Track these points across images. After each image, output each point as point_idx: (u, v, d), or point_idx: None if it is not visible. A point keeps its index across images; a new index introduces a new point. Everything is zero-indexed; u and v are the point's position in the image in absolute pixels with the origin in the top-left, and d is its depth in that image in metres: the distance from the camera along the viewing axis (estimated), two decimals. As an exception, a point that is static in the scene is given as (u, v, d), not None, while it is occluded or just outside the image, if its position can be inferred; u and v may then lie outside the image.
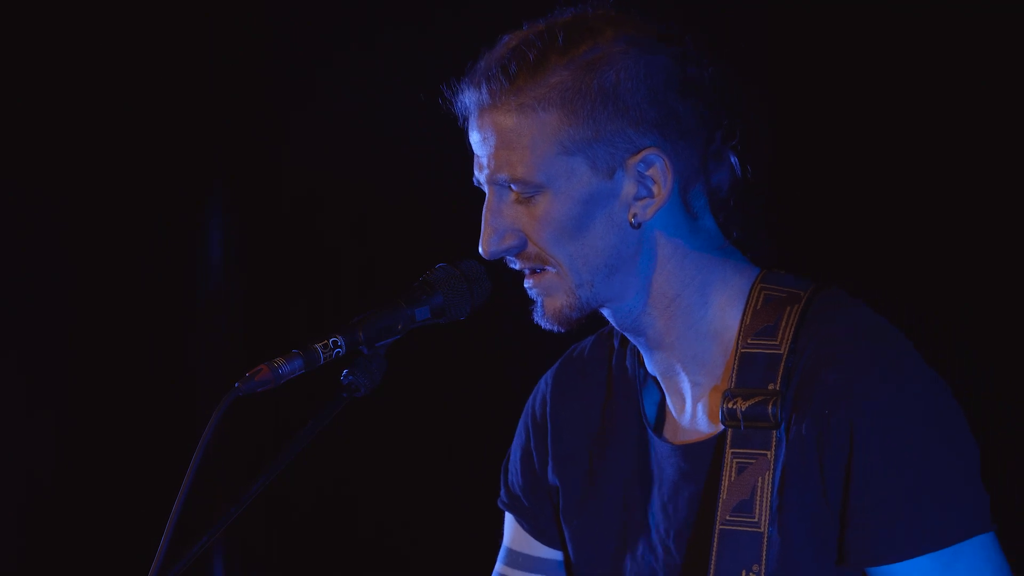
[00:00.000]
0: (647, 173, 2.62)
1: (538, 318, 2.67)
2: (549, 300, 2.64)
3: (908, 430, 2.55)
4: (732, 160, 2.67)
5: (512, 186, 2.60)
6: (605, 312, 2.69)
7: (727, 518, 2.61)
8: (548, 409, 2.89)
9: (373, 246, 4.63)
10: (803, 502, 2.58)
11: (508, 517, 2.96)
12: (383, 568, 4.67)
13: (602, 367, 2.85)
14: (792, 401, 2.59)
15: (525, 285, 2.66)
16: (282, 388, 2.38)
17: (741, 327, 2.65)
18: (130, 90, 4.68)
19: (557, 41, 2.59)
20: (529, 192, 2.59)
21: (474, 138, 2.62)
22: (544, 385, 2.92)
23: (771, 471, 2.59)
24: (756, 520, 2.59)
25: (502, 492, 2.97)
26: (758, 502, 2.59)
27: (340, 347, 2.41)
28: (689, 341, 2.68)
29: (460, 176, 2.73)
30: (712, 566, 2.60)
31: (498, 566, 2.96)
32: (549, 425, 2.88)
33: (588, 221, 2.61)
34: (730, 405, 2.62)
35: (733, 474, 2.62)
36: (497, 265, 2.64)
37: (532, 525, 2.92)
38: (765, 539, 2.58)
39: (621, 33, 2.60)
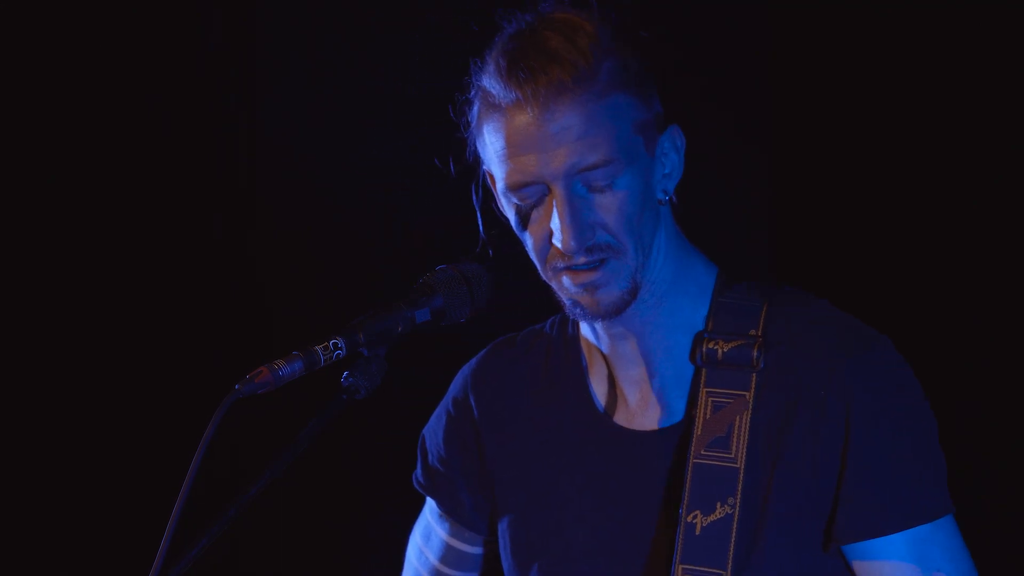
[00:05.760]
0: (668, 148, 2.65)
1: (588, 312, 2.63)
2: (607, 290, 2.62)
3: (898, 411, 2.60)
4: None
5: (594, 173, 2.57)
6: None
7: (701, 452, 2.62)
8: (472, 400, 2.90)
9: (373, 246, 4.63)
10: (790, 471, 2.61)
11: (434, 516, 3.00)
12: (384, 569, 4.67)
13: (537, 358, 2.86)
14: (775, 370, 2.63)
15: (580, 282, 2.62)
16: (282, 389, 2.38)
17: (708, 322, 2.69)
18: (126, 88, 4.69)
19: (576, 29, 2.58)
20: (608, 177, 2.57)
21: (545, 133, 2.55)
22: (464, 379, 2.93)
23: (749, 412, 2.61)
24: (733, 456, 2.61)
25: (419, 472, 3.00)
26: (735, 440, 2.61)
27: (340, 349, 2.41)
28: (664, 332, 2.71)
29: (461, 177, 2.73)
30: (686, 497, 2.61)
31: (433, 560, 3.00)
32: (476, 413, 2.89)
33: (645, 202, 2.62)
34: (711, 345, 2.65)
35: (708, 412, 2.63)
36: (498, 267, 2.64)
37: (449, 505, 2.94)
38: (742, 474, 2.59)
39: (598, 25, 2.61)
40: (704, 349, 2.66)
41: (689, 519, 2.61)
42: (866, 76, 3.74)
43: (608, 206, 2.58)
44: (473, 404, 2.90)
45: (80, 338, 4.67)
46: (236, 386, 2.32)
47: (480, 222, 2.77)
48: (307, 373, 2.38)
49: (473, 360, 2.95)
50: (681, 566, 2.60)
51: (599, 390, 2.78)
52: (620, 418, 2.75)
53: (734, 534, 2.58)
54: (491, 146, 2.62)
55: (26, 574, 4.60)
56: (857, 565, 2.62)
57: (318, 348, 2.39)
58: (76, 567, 4.67)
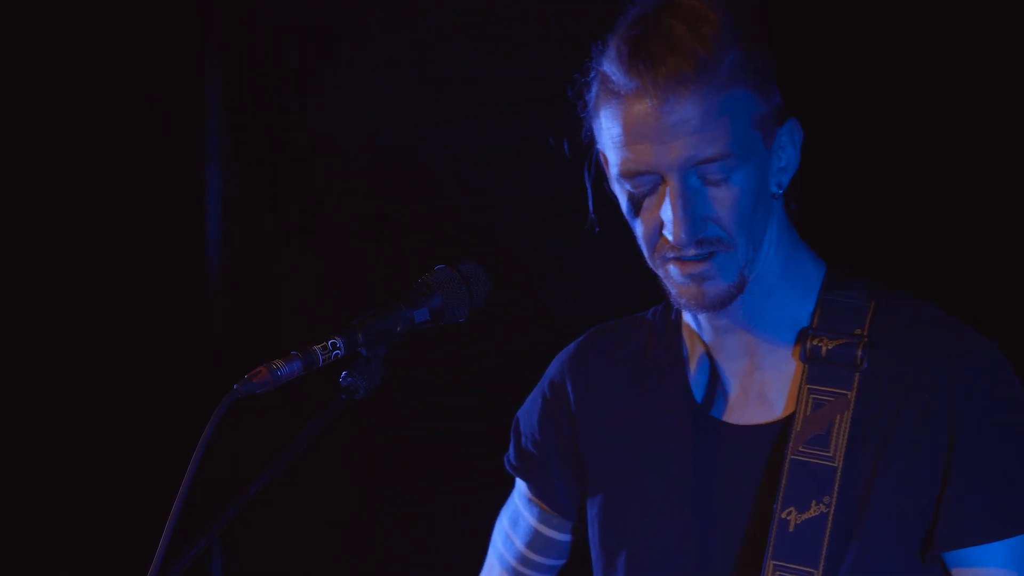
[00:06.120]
0: (785, 142, 2.62)
1: (692, 303, 2.61)
2: (713, 283, 2.60)
3: (1004, 417, 2.58)
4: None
5: (710, 167, 2.54)
6: None
7: (799, 449, 2.60)
8: (569, 385, 2.87)
9: (373, 246, 4.63)
10: (890, 474, 2.58)
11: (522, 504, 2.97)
12: (384, 569, 4.67)
13: (637, 345, 2.84)
14: (879, 371, 2.60)
15: (687, 273, 2.60)
16: (282, 389, 2.38)
17: (814, 319, 2.67)
18: (126, 87, 4.69)
19: (701, 18, 2.55)
20: (724, 172, 2.55)
21: (663, 125, 2.53)
22: (561, 363, 2.90)
23: (850, 411, 2.59)
24: (831, 455, 2.58)
25: (511, 454, 2.97)
26: (834, 438, 2.59)
27: (339, 349, 2.40)
28: (768, 327, 2.69)
29: (459, 174, 2.73)
30: (781, 493, 2.59)
31: (519, 545, 2.98)
32: (572, 398, 2.87)
33: (759, 196, 2.60)
34: (815, 342, 2.63)
35: (808, 409, 2.61)
36: (497, 267, 2.64)
37: (541, 488, 2.91)
38: (839, 474, 2.57)
39: (723, 14, 2.58)
40: (808, 346, 2.63)
41: (783, 515, 2.58)
42: (866, 76, 3.74)
43: (722, 200, 2.56)
44: (570, 389, 2.87)
45: (80, 338, 4.67)
46: (235, 386, 2.32)
47: (591, 200, 2.75)
48: (306, 373, 2.38)
49: (572, 344, 2.92)
50: (772, 562, 2.58)
51: (698, 381, 2.76)
52: (718, 411, 2.72)
53: (828, 533, 2.56)
54: (607, 131, 2.59)
55: (26, 574, 4.60)
56: (956, 572, 2.60)
57: (317, 348, 2.39)
58: (76, 567, 4.67)
